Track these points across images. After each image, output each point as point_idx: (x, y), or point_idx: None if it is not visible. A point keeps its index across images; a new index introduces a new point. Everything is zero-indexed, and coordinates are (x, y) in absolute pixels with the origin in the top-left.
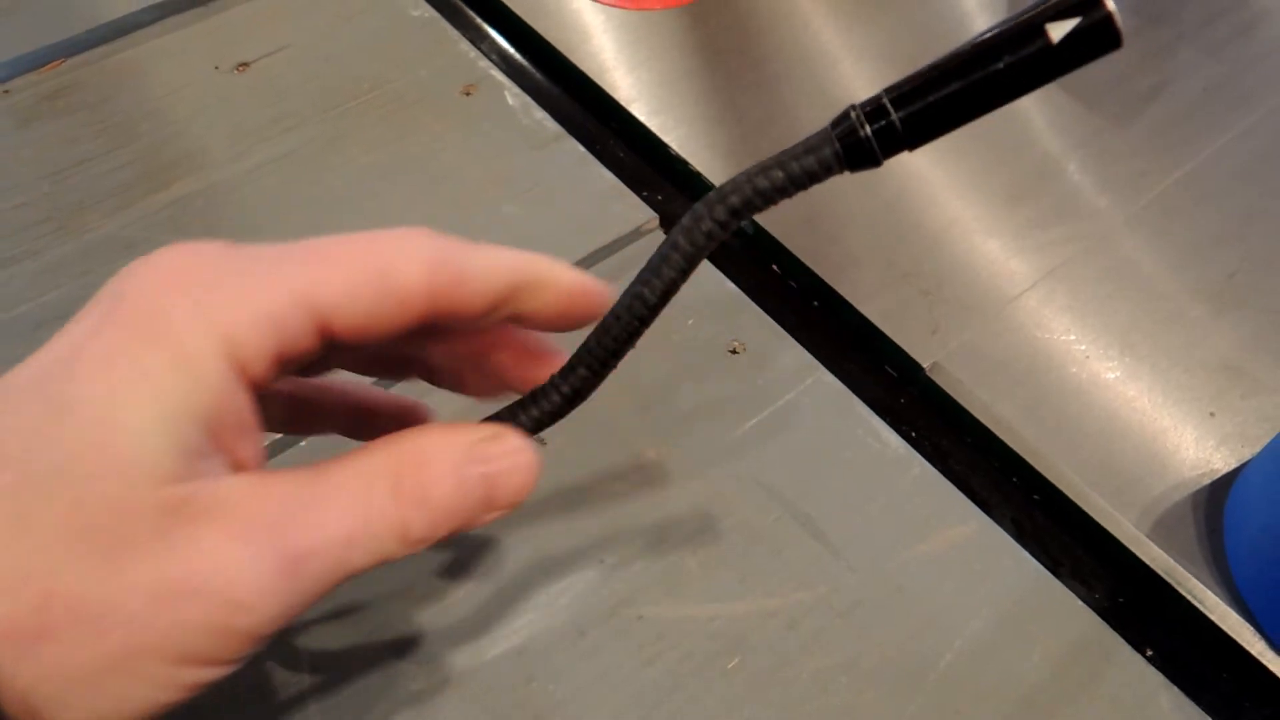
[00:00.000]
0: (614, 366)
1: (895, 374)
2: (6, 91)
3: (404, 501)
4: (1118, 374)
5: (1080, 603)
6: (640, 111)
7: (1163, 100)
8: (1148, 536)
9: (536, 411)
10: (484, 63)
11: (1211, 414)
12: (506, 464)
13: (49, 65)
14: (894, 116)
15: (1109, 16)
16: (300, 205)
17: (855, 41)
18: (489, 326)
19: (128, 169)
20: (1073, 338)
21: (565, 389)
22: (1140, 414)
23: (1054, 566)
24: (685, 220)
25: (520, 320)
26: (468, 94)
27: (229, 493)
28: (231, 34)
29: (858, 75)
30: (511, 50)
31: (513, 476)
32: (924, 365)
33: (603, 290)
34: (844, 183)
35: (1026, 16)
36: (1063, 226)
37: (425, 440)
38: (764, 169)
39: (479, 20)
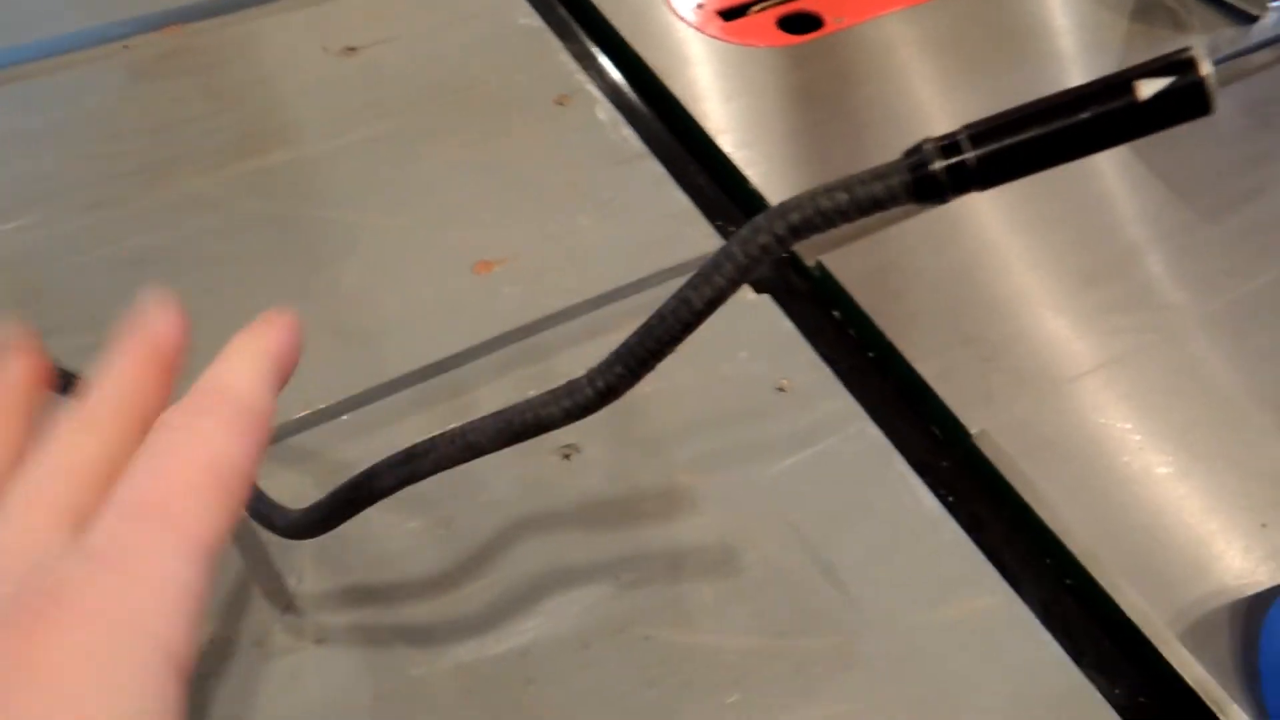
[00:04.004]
0: (652, 367)
1: (940, 435)
2: (126, 47)
3: None
4: (1171, 470)
5: (1099, 696)
6: (727, 143)
7: (1259, 204)
8: (1179, 640)
9: (568, 403)
10: (580, 76)
11: (1263, 525)
12: None
13: (169, 28)
14: (969, 154)
15: (1203, 81)
16: (382, 188)
17: (950, 105)
18: None
19: (225, 133)
20: (1129, 427)
21: (600, 384)
22: (1189, 515)
23: (1077, 655)
24: (744, 231)
25: None
26: (560, 104)
27: None
28: (344, 19)
29: None
30: (610, 67)
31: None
32: (971, 431)
33: None
34: (917, 240)
35: (1120, 72)
36: (1135, 314)
37: None
38: (829, 190)
39: (584, 36)
